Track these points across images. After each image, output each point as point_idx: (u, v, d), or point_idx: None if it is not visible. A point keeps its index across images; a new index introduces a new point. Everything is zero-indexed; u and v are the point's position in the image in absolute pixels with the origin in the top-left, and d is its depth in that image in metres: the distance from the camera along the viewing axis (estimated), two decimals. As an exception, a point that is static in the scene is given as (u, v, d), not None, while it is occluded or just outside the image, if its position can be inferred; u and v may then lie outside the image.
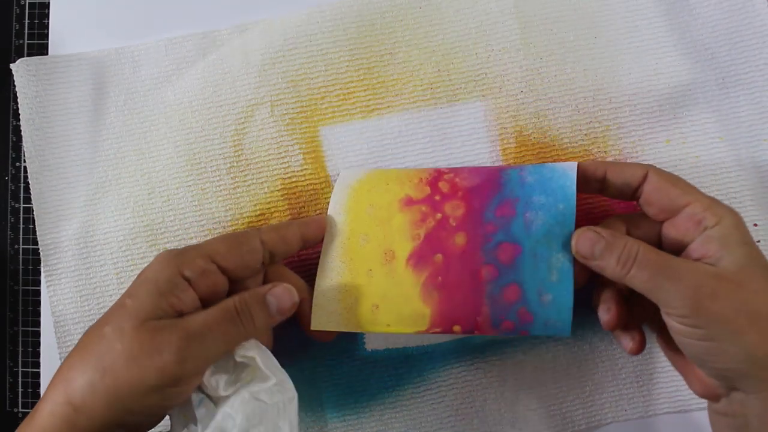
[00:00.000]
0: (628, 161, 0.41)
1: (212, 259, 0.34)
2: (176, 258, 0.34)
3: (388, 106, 0.43)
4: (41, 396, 0.43)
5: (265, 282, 0.37)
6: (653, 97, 0.42)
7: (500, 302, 0.35)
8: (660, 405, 0.42)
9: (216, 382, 0.32)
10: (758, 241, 0.42)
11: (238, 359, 0.33)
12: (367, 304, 0.37)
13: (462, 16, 0.43)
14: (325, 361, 0.42)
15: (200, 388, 0.32)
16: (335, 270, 0.37)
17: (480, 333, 0.36)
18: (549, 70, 0.43)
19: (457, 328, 0.36)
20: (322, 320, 0.37)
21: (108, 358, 0.31)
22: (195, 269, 0.33)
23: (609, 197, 0.37)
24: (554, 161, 0.42)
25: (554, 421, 0.42)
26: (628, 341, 0.37)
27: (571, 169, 0.37)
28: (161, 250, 0.41)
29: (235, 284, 0.35)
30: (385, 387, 0.42)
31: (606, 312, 0.36)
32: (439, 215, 0.38)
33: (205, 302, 0.33)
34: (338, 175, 0.41)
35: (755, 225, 0.42)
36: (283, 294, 0.34)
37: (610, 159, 0.42)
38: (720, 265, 0.32)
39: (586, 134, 0.42)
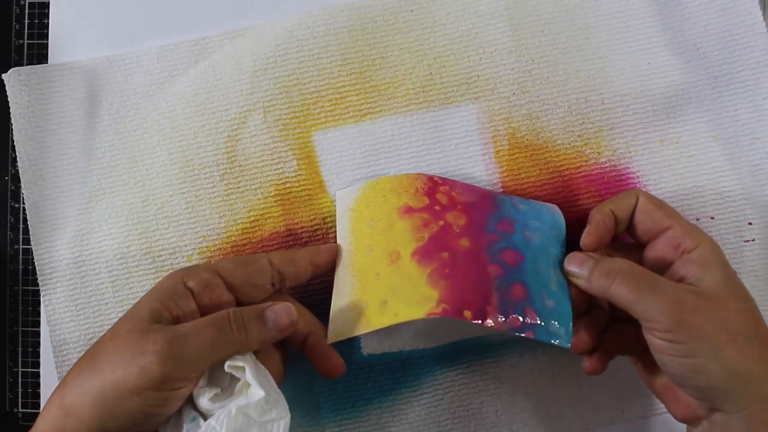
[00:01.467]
0: (620, 193, 0.40)
1: (218, 273, 0.34)
2: (183, 270, 0.34)
3: (381, 110, 0.43)
4: (41, 399, 0.43)
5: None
6: (646, 97, 0.42)
7: (508, 297, 0.35)
8: (657, 405, 0.42)
9: (208, 393, 0.32)
10: (753, 240, 0.42)
11: (227, 369, 0.32)
12: (376, 303, 0.36)
13: (453, 18, 0.43)
14: (322, 365, 0.42)
15: (194, 406, 0.32)
16: (347, 285, 0.38)
17: (488, 323, 0.34)
18: (541, 71, 0.43)
19: (467, 313, 0.34)
20: (336, 332, 0.37)
21: (99, 359, 0.31)
22: (198, 280, 0.34)
23: (618, 233, 0.38)
24: (547, 163, 0.42)
25: (551, 423, 0.42)
26: (585, 360, 0.37)
27: (555, 208, 0.40)
28: (156, 258, 0.42)
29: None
30: (382, 391, 0.42)
31: (574, 335, 0.36)
32: (441, 222, 0.38)
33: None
34: (335, 193, 0.42)
35: (749, 224, 0.42)
36: (282, 310, 0.34)
37: (603, 160, 0.42)
38: (701, 285, 0.33)
39: (579, 135, 0.42)
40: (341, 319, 0.37)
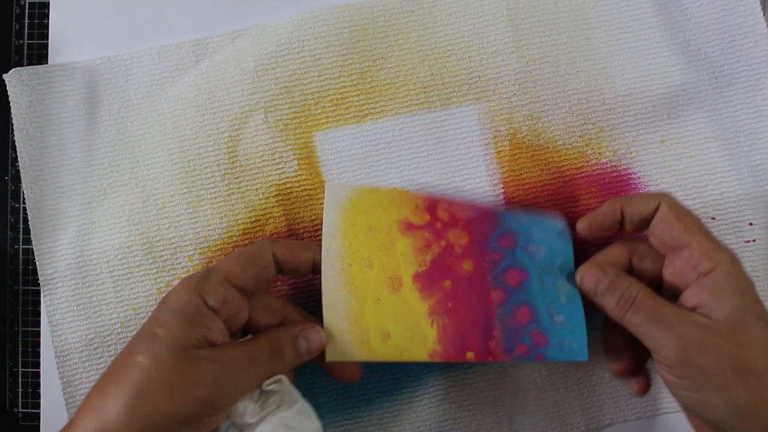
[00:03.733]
0: (642, 192, 0.41)
1: (230, 282, 0.34)
2: (198, 286, 0.34)
3: (382, 111, 0.43)
4: (41, 399, 0.43)
5: (254, 304, 0.36)
6: (647, 97, 0.42)
7: (512, 324, 0.36)
8: (658, 405, 0.42)
9: (243, 409, 0.33)
10: (753, 240, 0.42)
11: (266, 388, 0.34)
12: (378, 334, 0.36)
13: (454, 19, 0.43)
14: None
15: (227, 416, 0.33)
16: (341, 300, 0.36)
17: (494, 360, 0.36)
18: (542, 72, 0.43)
19: (470, 354, 0.36)
20: (336, 352, 0.36)
21: (146, 386, 0.31)
22: (218, 297, 0.34)
23: (626, 233, 0.37)
24: (548, 164, 0.42)
25: (552, 423, 0.42)
26: (633, 384, 0.37)
27: (558, 216, 0.39)
28: (157, 258, 0.42)
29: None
30: (383, 391, 0.42)
31: (616, 361, 0.36)
32: (443, 242, 0.38)
33: (228, 326, 0.34)
34: (325, 183, 0.41)
35: (750, 224, 0.42)
36: (313, 336, 0.35)
37: (604, 160, 0.42)
38: (712, 316, 0.32)
39: (580, 136, 0.42)
40: (341, 339, 0.36)
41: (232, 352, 0.33)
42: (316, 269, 0.37)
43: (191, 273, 0.36)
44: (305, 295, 0.42)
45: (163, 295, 0.42)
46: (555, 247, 0.38)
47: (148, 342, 0.32)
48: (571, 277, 0.37)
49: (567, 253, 0.38)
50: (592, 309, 0.37)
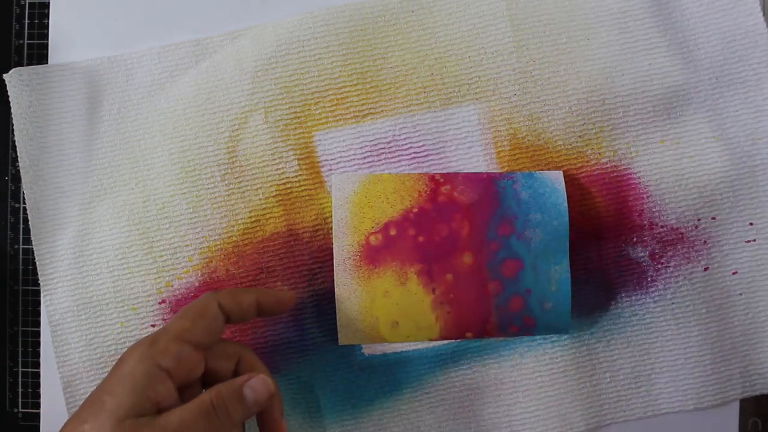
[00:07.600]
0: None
1: (183, 339, 0.34)
2: (150, 349, 0.33)
3: (382, 111, 0.43)
4: (41, 399, 0.42)
5: (210, 354, 0.36)
6: (647, 97, 0.42)
7: (506, 312, 0.40)
8: (658, 405, 0.42)
9: None
10: (754, 240, 0.42)
11: None
12: (387, 322, 0.40)
13: (454, 19, 0.43)
14: (323, 366, 0.42)
15: None
16: (353, 294, 0.40)
17: (489, 336, 0.40)
18: (542, 72, 0.43)
19: (469, 334, 0.40)
20: (348, 337, 0.40)
21: None
22: (171, 357, 0.33)
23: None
24: (548, 164, 0.42)
25: (552, 423, 0.42)
26: None
27: (559, 182, 0.40)
28: (157, 258, 0.42)
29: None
30: (383, 391, 0.42)
31: None
32: (445, 235, 0.40)
33: (183, 387, 0.34)
34: (331, 179, 0.42)
35: (750, 224, 0.42)
36: (259, 385, 0.34)
37: (604, 160, 0.42)
38: None
39: (580, 136, 0.42)
40: (352, 326, 0.40)
41: (172, 417, 0.32)
42: (260, 312, 0.37)
43: (144, 336, 0.35)
44: (306, 295, 0.42)
45: (164, 295, 0.42)
46: (551, 230, 0.39)
47: (94, 410, 0.32)
48: (564, 260, 0.39)
49: (562, 234, 0.39)
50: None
